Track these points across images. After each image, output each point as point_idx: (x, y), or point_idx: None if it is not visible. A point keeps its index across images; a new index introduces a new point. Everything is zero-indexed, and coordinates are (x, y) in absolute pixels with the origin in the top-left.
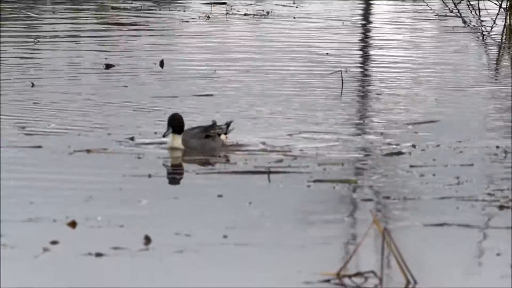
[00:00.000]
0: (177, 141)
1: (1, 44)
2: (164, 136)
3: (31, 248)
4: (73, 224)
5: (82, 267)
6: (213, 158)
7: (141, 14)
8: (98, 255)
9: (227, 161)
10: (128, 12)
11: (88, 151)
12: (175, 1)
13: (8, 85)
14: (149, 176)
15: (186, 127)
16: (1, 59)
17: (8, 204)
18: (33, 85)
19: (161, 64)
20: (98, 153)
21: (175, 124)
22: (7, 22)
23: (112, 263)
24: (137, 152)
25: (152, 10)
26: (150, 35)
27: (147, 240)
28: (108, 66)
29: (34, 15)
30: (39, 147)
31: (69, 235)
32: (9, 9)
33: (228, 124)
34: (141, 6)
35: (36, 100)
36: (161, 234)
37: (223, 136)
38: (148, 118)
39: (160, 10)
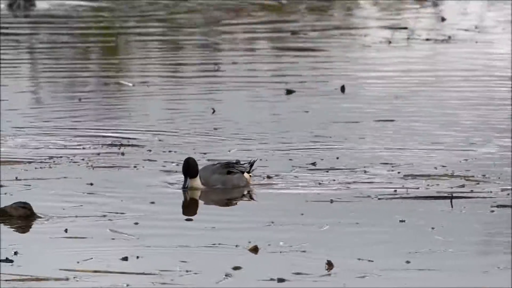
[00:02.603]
0: (196, 182)
1: (183, 71)
2: (185, 188)
3: (213, 273)
4: (255, 250)
5: None
6: (389, 184)
7: (322, 40)
8: (280, 280)
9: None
10: (308, 38)
11: (269, 177)
12: (356, 27)
13: (189, 111)
14: (331, 201)
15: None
16: (183, 85)
17: (192, 230)
18: (214, 111)
19: (342, 89)
20: (277, 178)
21: (192, 171)
22: (188, 49)
23: None
24: (317, 178)
25: (332, 35)
26: (330, 61)
27: (330, 265)
28: (289, 92)
29: (214, 41)
30: None
31: (251, 260)
32: (189, 36)
33: (251, 163)
34: (321, 32)
35: (217, 126)
36: (344, 259)
37: (246, 175)
38: (329, 144)
39: (340, 35)
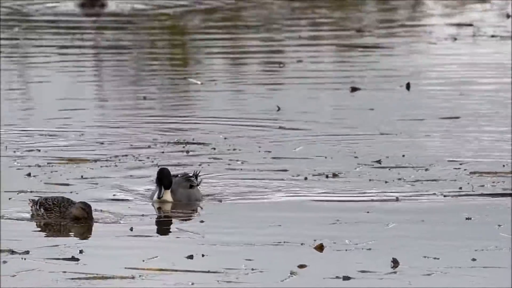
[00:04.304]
0: (167, 195)
1: (246, 67)
2: (160, 198)
3: (279, 272)
4: (320, 248)
5: None
6: (458, 182)
7: (387, 37)
8: (346, 278)
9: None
10: (373, 35)
11: (335, 175)
12: (421, 24)
13: (253, 108)
14: (397, 199)
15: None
16: (248, 83)
17: (257, 228)
18: (279, 109)
19: (407, 86)
20: (343, 176)
21: (167, 181)
22: (253, 46)
23: (359, 286)
24: (382, 176)
25: (397, 32)
26: (395, 58)
27: (395, 263)
28: (354, 89)
29: (278, 38)
30: (285, 170)
31: (316, 258)
32: (254, 34)
33: (196, 176)
34: (386, 29)
35: (282, 124)
36: (409, 257)
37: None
38: (394, 142)
39: (405, 32)
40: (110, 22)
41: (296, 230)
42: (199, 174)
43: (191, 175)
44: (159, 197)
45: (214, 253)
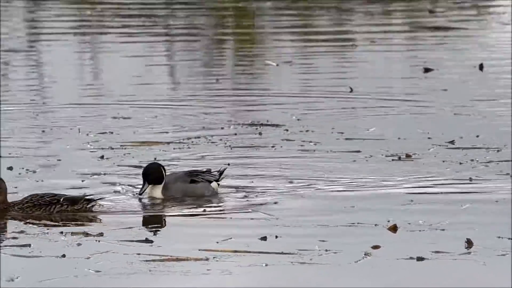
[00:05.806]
0: (156, 191)
1: (319, 49)
2: (140, 194)
3: (352, 252)
4: (394, 228)
5: (402, 271)
6: None
7: (459, 18)
8: (420, 259)
9: None
10: (445, 16)
11: (408, 155)
12: (493, 5)
13: (326, 89)
14: (470, 179)
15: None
16: (321, 65)
17: (331, 209)
18: (351, 90)
19: (481, 67)
20: (416, 157)
21: (151, 178)
22: (325, 27)
23: (433, 267)
24: (456, 156)
25: (470, 13)
26: (469, 38)
27: (469, 243)
28: (427, 70)
29: (351, 20)
30: (358, 151)
31: (390, 239)
32: (322, 13)
33: (221, 172)
34: (459, 10)
35: (354, 105)
36: (483, 237)
37: (214, 184)
38: (468, 122)
39: (478, 13)
40: (182, 4)
41: (370, 211)
42: (224, 170)
43: (203, 170)
44: (139, 193)
45: (287, 235)
